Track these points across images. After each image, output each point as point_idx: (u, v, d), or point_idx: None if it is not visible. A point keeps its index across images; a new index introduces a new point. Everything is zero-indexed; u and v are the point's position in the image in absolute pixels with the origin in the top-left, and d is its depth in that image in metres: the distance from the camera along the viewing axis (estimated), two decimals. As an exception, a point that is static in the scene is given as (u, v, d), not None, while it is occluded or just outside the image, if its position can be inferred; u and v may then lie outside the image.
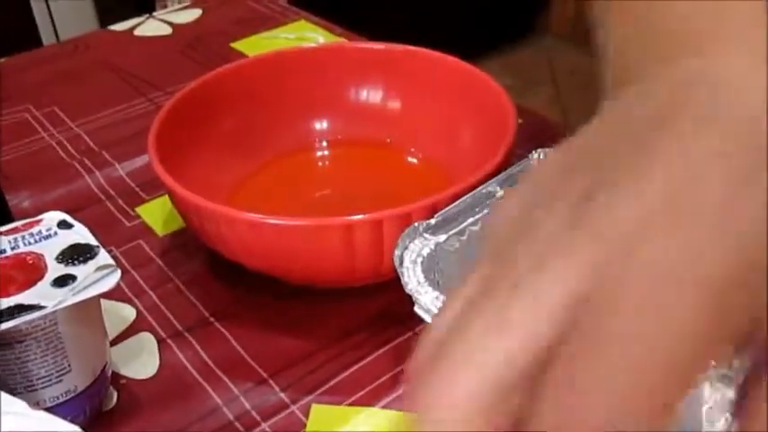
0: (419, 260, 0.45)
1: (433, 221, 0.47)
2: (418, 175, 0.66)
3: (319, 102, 0.69)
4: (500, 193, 0.49)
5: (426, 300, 0.42)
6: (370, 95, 0.69)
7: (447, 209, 0.48)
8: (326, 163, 0.69)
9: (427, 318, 0.42)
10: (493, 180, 0.50)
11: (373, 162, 0.67)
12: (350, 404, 0.48)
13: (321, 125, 0.69)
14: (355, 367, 0.50)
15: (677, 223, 0.23)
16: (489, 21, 2.54)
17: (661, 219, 0.23)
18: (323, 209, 0.63)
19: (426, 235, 0.46)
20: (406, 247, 0.45)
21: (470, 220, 0.48)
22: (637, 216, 0.24)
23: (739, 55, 0.29)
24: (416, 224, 0.46)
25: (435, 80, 0.66)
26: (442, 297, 0.42)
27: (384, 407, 0.48)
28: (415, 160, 0.67)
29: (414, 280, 0.43)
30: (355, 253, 0.49)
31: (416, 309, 0.42)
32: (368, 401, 0.48)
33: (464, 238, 0.48)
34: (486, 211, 0.48)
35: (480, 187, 0.49)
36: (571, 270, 0.24)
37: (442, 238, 0.46)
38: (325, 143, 0.69)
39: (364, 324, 0.53)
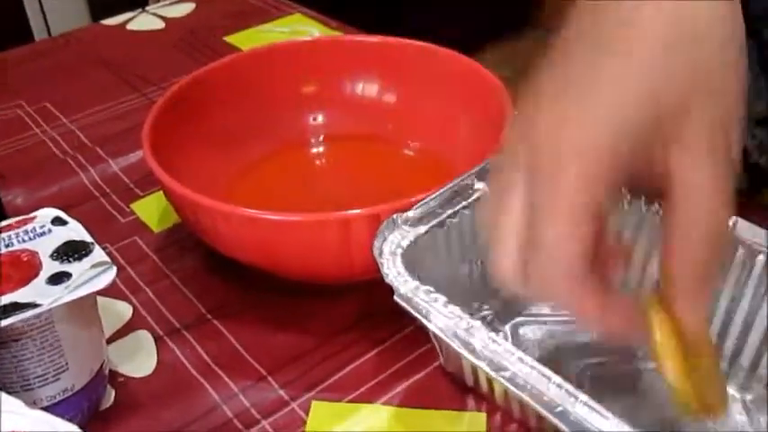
0: (398, 251, 0.45)
1: (411, 214, 0.47)
2: (415, 169, 0.65)
3: (315, 96, 0.68)
4: (477, 185, 0.49)
5: (406, 289, 0.42)
6: (366, 89, 0.69)
7: (425, 201, 0.47)
8: (323, 157, 0.68)
9: (407, 307, 0.42)
10: (471, 172, 0.49)
11: (370, 156, 0.67)
12: (350, 401, 0.48)
13: (317, 119, 0.69)
14: (355, 364, 0.50)
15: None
16: (486, 13, 2.54)
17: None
18: (320, 203, 0.62)
19: (405, 227, 0.46)
20: (385, 239, 0.45)
21: (449, 212, 0.48)
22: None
23: None
24: (395, 216, 0.46)
25: (432, 73, 0.65)
26: (422, 287, 0.42)
27: (384, 403, 0.47)
28: (411, 153, 0.67)
29: (393, 270, 0.43)
30: (352, 248, 0.49)
31: (396, 297, 0.42)
32: (368, 398, 0.48)
33: (443, 229, 0.48)
34: (464, 203, 0.48)
35: (458, 180, 0.49)
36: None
37: (422, 229, 0.46)
38: (321, 137, 0.69)
39: (363, 320, 0.53)
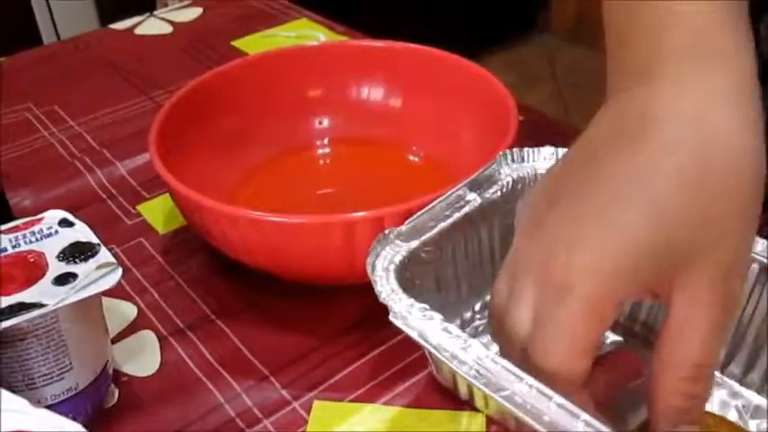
0: (391, 267, 0.44)
1: (404, 228, 0.46)
2: (419, 173, 0.66)
3: (320, 100, 0.69)
4: (469, 196, 0.49)
5: (401, 308, 0.41)
6: (372, 93, 0.69)
7: (418, 215, 0.47)
8: (328, 161, 0.69)
9: (403, 326, 0.41)
10: (462, 184, 0.49)
11: (374, 160, 0.67)
12: (352, 400, 0.48)
13: (322, 123, 0.69)
14: (357, 364, 0.50)
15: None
16: (490, 18, 2.54)
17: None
18: (324, 206, 0.63)
19: (398, 242, 0.46)
20: (377, 255, 0.45)
21: (442, 225, 0.47)
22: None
23: (664, 86, 0.36)
24: (387, 231, 0.46)
25: (436, 78, 0.66)
26: (417, 305, 0.41)
27: (386, 403, 0.48)
28: (416, 158, 0.67)
29: (387, 288, 0.43)
30: (356, 250, 0.49)
31: (391, 317, 0.41)
32: (370, 398, 0.48)
33: (435, 243, 0.47)
34: (456, 215, 0.48)
35: (450, 192, 0.49)
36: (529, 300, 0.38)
37: (414, 244, 0.46)
38: (326, 141, 0.69)
39: (366, 320, 0.53)
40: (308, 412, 0.47)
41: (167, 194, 0.61)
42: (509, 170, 0.51)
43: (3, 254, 0.45)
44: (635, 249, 0.35)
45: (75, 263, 0.45)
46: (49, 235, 0.47)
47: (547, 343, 0.37)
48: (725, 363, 0.47)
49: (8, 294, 0.42)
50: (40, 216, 0.48)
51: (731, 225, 0.35)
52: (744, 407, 0.45)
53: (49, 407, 0.44)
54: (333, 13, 0.96)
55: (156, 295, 0.56)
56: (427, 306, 0.41)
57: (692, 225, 0.35)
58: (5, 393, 0.36)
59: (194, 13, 0.98)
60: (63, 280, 0.43)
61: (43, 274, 0.44)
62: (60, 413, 0.35)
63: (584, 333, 0.36)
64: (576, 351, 0.36)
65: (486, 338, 0.51)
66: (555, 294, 0.36)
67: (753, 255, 0.44)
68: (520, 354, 0.38)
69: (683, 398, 0.36)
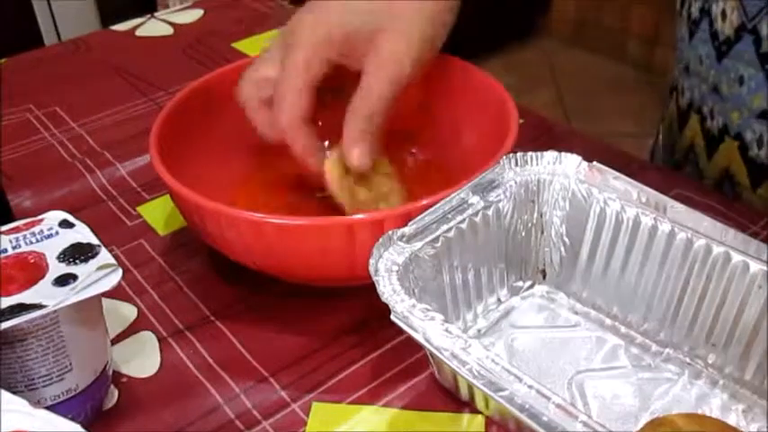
0: (394, 268, 0.44)
1: (407, 230, 0.47)
2: (419, 175, 0.66)
3: (320, 101, 0.69)
4: (472, 199, 0.49)
5: (402, 308, 0.42)
6: (372, 95, 0.69)
7: (421, 217, 0.47)
8: (328, 162, 0.68)
9: (404, 326, 0.41)
10: (465, 187, 0.50)
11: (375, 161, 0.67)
12: (350, 402, 0.48)
13: (322, 125, 0.69)
14: (356, 365, 0.50)
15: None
16: (491, 21, 2.54)
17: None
18: (324, 209, 0.63)
19: (401, 243, 0.46)
20: (380, 256, 0.45)
21: (444, 227, 0.48)
22: None
23: None
24: (390, 233, 0.46)
25: (438, 80, 0.66)
26: (418, 305, 0.42)
27: (385, 405, 0.48)
28: (416, 159, 0.67)
29: (389, 288, 0.43)
30: (356, 252, 0.49)
31: (393, 317, 0.42)
32: (368, 400, 0.48)
33: (438, 245, 0.48)
34: (458, 218, 0.48)
35: (453, 195, 0.49)
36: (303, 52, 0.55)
37: (417, 246, 0.46)
38: (326, 143, 0.69)
39: (365, 322, 0.53)
40: (308, 414, 0.48)
41: (168, 196, 0.61)
42: (512, 174, 0.51)
43: (3, 255, 0.45)
44: (339, 22, 0.55)
45: (76, 264, 0.45)
46: (50, 236, 0.47)
47: (285, 70, 0.55)
48: (725, 365, 0.47)
49: (8, 295, 0.42)
50: (40, 217, 0.48)
51: (407, 15, 0.55)
52: (744, 411, 0.46)
53: (48, 408, 0.44)
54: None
55: (156, 296, 0.57)
56: (429, 307, 0.42)
57: (376, 14, 0.55)
58: (5, 394, 0.36)
59: (195, 14, 0.99)
60: (63, 281, 0.43)
61: (43, 275, 0.44)
62: (60, 414, 0.35)
63: (306, 60, 0.54)
64: (303, 67, 0.54)
65: (488, 340, 0.51)
66: (293, 40, 0.55)
67: (754, 257, 0.44)
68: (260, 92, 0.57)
69: (362, 119, 0.55)
